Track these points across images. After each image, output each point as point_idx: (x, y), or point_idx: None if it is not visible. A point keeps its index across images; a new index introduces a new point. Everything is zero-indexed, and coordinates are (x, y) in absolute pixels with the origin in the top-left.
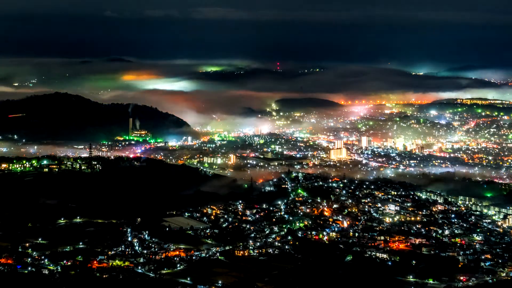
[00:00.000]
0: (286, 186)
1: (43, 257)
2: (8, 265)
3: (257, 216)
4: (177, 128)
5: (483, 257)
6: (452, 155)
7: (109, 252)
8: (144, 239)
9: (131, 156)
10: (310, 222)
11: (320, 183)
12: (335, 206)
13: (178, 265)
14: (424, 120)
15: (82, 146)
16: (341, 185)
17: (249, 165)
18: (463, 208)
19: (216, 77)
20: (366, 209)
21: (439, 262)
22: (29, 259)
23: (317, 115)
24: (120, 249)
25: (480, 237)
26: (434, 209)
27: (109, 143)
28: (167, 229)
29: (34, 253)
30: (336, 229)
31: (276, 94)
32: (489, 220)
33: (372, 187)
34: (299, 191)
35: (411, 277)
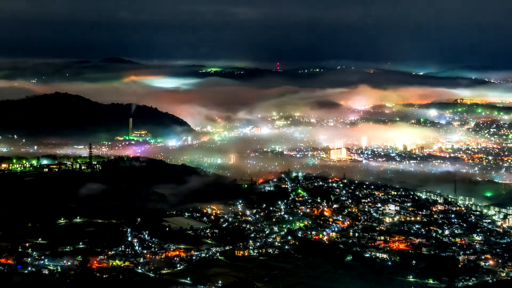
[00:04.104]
0: (286, 186)
1: (43, 257)
2: (8, 265)
3: (257, 216)
4: (177, 128)
5: (483, 257)
6: (452, 155)
7: (109, 252)
8: (144, 239)
9: (131, 156)
10: (310, 222)
11: (320, 183)
12: (335, 206)
13: (178, 265)
14: (424, 120)
15: (82, 146)
16: (341, 185)
17: (249, 165)
18: (463, 208)
19: (217, 77)
20: (366, 209)
21: (439, 262)
22: (29, 259)
23: (317, 115)
24: (120, 249)
25: (480, 237)
26: (434, 209)
27: (109, 143)
28: (167, 229)
29: (34, 253)
30: (336, 229)
31: (276, 94)
32: (489, 220)
33: (372, 187)
34: (299, 191)
35: (411, 277)
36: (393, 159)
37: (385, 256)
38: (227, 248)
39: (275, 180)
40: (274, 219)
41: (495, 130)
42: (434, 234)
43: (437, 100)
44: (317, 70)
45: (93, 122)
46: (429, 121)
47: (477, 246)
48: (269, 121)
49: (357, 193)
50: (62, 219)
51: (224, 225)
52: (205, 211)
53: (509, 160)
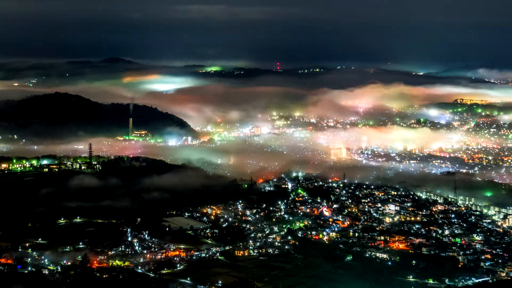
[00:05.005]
0: (286, 186)
1: (43, 257)
2: (8, 265)
3: (257, 216)
4: (177, 128)
5: (483, 257)
6: (452, 155)
7: (109, 252)
8: (144, 239)
9: (131, 156)
10: (310, 222)
11: (320, 183)
12: (335, 206)
13: (178, 265)
14: (424, 120)
15: (82, 146)
16: (341, 185)
17: (249, 165)
18: (463, 208)
19: (217, 77)
20: (366, 209)
21: (439, 262)
22: (29, 259)
23: (317, 115)
24: (120, 249)
25: (480, 237)
26: (434, 209)
27: (109, 143)
28: (167, 229)
29: (34, 253)
30: (336, 229)
31: (276, 94)
32: (489, 220)
33: (372, 187)
34: (299, 191)
35: (411, 277)
36: (393, 159)
37: (385, 256)
38: (227, 248)
39: (275, 180)
40: (274, 219)
41: (495, 130)
42: (434, 234)
43: (437, 100)
44: (317, 70)
45: (93, 122)
46: (429, 121)
47: (477, 246)
48: (269, 121)
49: (357, 193)
50: (62, 219)
51: (224, 225)
52: (205, 211)
53: (509, 160)
